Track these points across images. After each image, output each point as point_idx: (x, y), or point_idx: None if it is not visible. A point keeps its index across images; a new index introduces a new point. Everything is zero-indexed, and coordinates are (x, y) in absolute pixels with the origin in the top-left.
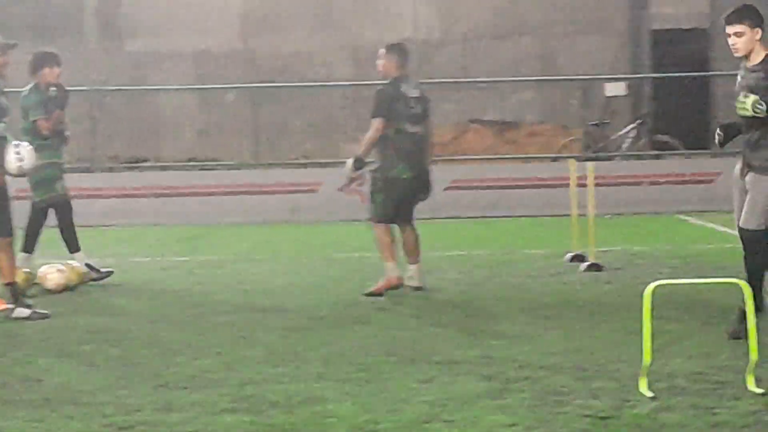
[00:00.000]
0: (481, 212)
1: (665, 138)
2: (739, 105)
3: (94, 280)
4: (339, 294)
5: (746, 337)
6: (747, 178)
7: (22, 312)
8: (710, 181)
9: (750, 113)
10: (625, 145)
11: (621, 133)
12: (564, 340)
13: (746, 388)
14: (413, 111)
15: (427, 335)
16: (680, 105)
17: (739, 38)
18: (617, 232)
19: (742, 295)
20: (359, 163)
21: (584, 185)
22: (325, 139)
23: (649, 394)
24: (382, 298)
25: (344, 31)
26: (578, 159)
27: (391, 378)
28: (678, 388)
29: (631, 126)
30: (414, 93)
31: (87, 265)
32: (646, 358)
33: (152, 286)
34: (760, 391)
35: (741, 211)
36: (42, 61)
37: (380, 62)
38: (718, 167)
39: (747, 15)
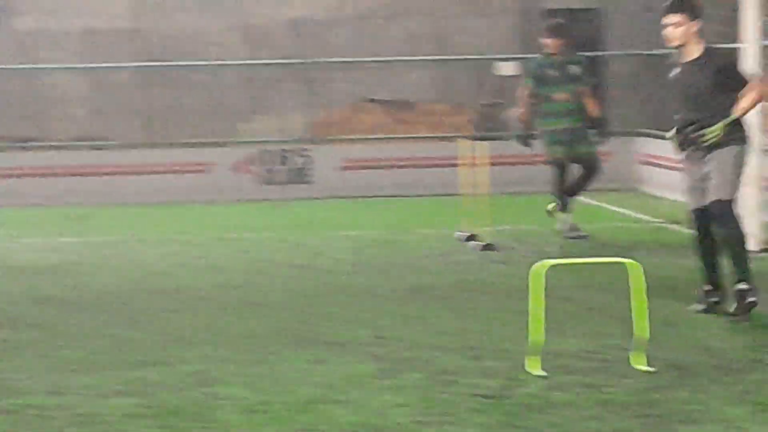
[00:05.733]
0: (374, 192)
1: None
2: (709, 136)
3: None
4: (229, 275)
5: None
6: (709, 155)
7: None
8: (603, 161)
9: (720, 134)
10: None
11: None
12: (455, 320)
13: (634, 366)
14: None
15: (317, 316)
16: None
17: (676, 29)
18: (510, 212)
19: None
20: None
21: (477, 164)
22: (218, 119)
23: (540, 373)
24: None
25: (236, 10)
26: (471, 138)
27: (281, 359)
28: (568, 367)
29: None
30: None
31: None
32: (536, 337)
33: (40, 268)
34: (647, 369)
35: (696, 194)
36: None
37: None
38: (611, 148)
39: (685, 6)
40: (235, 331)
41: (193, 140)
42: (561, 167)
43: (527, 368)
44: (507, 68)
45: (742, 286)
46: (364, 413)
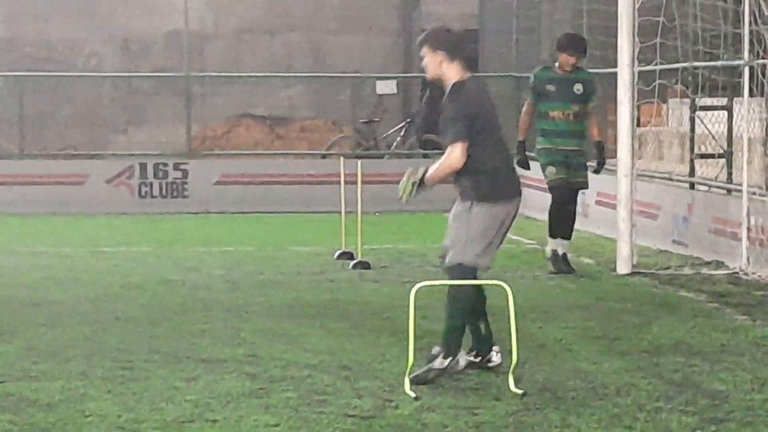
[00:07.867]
0: (250, 208)
1: (433, 137)
2: (400, 192)
3: None
4: (102, 288)
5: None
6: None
7: None
8: None
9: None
10: (394, 144)
11: (391, 131)
12: (329, 339)
13: (507, 388)
14: None
15: (190, 332)
16: None
17: (428, 65)
18: (385, 230)
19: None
20: None
21: (354, 182)
22: (92, 130)
23: (413, 394)
24: None
25: (113, 20)
26: (348, 156)
27: (154, 376)
28: (441, 388)
29: (401, 124)
30: None
31: None
32: (411, 358)
33: None
34: (519, 391)
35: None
36: None
37: None
38: None
39: (428, 38)
40: (107, 346)
41: (68, 151)
42: (559, 192)
43: (407, 389)
44: (386, 86)
45: (439, 363)
46: None
